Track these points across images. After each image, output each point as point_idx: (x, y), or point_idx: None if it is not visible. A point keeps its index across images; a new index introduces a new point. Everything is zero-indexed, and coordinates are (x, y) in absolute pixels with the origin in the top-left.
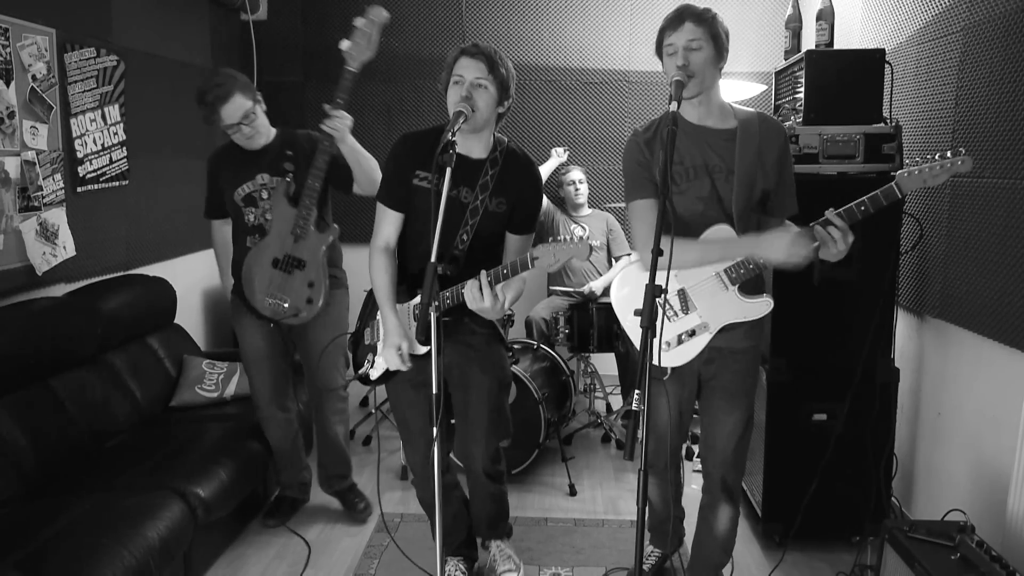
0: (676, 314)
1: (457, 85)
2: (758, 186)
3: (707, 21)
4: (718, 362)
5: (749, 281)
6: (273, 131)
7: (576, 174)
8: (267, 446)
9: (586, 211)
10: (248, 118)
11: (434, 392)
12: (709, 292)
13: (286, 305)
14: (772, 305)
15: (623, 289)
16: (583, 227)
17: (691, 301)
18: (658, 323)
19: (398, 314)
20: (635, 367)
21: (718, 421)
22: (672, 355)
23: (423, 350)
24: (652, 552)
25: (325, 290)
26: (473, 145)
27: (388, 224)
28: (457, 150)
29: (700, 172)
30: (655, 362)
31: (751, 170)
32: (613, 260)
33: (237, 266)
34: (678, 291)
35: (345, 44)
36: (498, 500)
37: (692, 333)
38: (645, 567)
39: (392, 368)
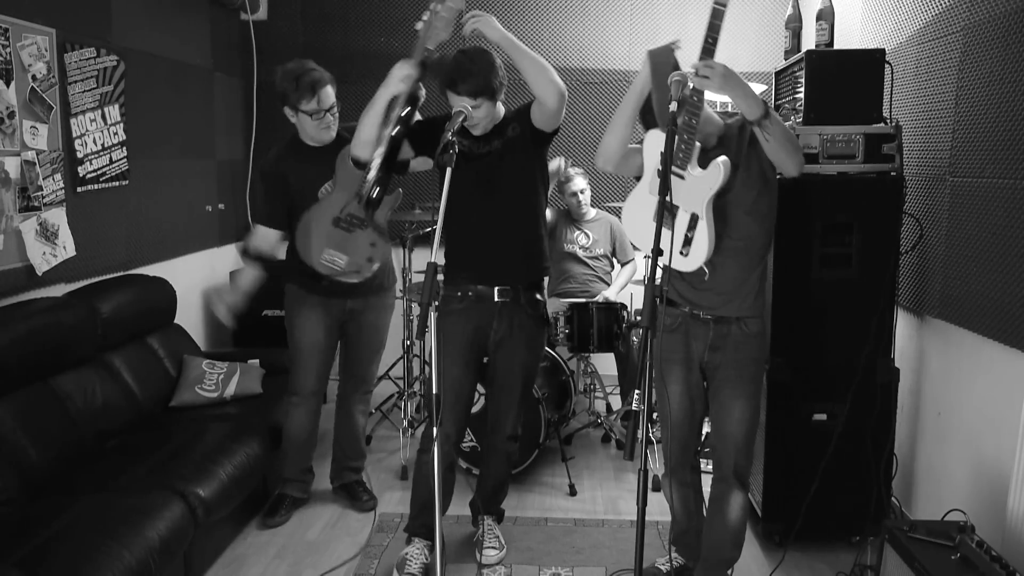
0: (672, 222)
1: (459, 114)
2: (758, 183)
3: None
4: (723, 350)
5: (701, 155)
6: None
7: (578, 183)
8: (269, 444)
9: (591, 216)
10: (335, 107)
11: (434, 392)
12: (676, 187)
13: (343, 263)
14: (728, 163)
15: (631, 206)
16: (587, 234)
17: (672, 205)
18: (666, 239)
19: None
20: (635, 368)
21: (726, 408)
22: (692, 257)
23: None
24: (676, 557)
25: (387, 253)
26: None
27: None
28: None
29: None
30: (684, 268)
31: (741, 173)
32: (618, 265)
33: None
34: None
35: (419, 25)
36: (507, 471)
37: (692, 226)
38: (665, 568)
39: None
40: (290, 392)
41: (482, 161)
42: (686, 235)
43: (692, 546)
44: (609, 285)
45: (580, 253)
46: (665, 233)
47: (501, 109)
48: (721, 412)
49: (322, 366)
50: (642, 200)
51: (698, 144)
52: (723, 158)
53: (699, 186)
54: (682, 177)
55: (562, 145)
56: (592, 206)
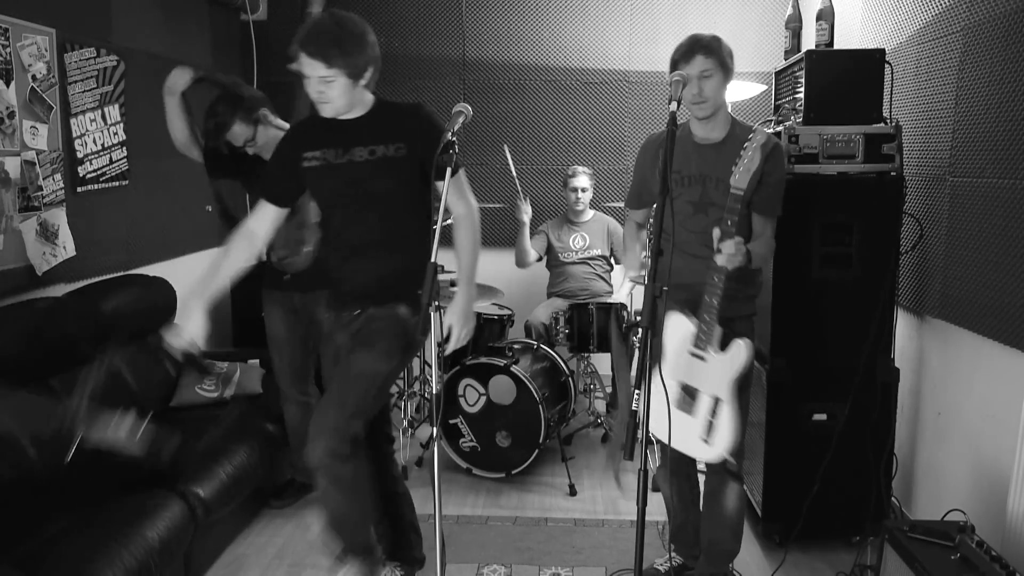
0: (693, 406)
1: (306, 83)
2: (745, 192)
3: (715, 52)
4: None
5: (722, 339)
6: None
7: (582, 180)
8: (269, 444)
9: (587, 216)
10: (249, 143)
11: (434, 391)
12: (697, 370)
13: (282, 252)
14: (750, 345)
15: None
16: (583, 236)
17: (693, 388)
18: (687, 424)
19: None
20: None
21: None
22: (715, 445)
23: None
24: (675, 556)
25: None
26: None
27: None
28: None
29: (694, 181)
30: (707, 457)
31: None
32: (617, 266)
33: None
34: (680, 387)
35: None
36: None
37: (715, 411)
38: (663, 568)
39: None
40: (281, 393)
41: (342, 172)
42: (708, 420)
43: (690, 543)
44: (609, 283)
45: (576, 257)
46: (666, 233)
47: (368, 98)
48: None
49: (292, 357)
50: (659, 393)
51: (719, 328)
52: (745, 340)
53: (721, 369)
54: (703, 359)
55: (562, 145)
56: (591, 208)
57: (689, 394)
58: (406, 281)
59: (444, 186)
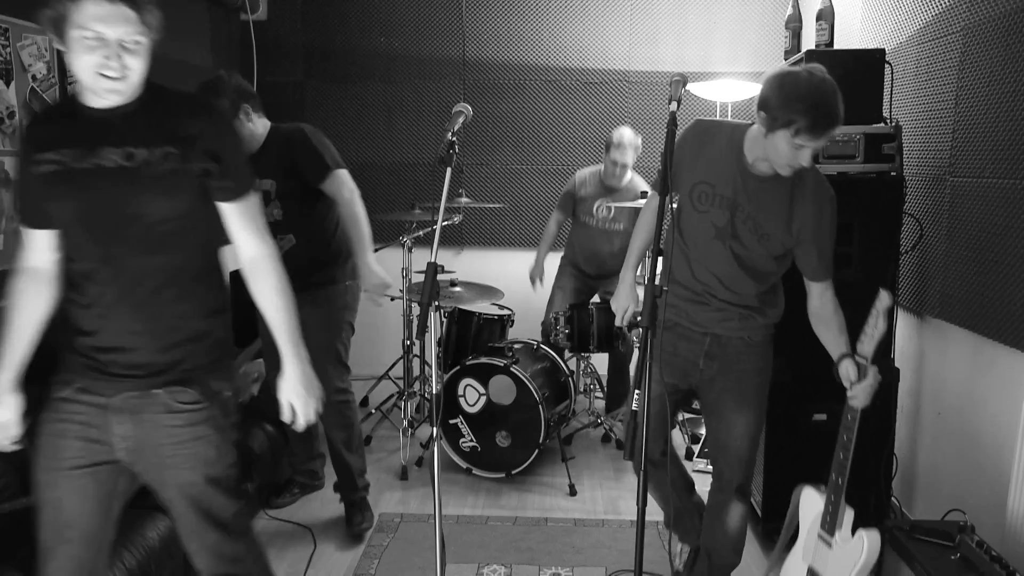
0: None
1: (92, 47)
2: (775, 240)
3: (842, 120)
4: (720, 360)
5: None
6: (264, 133)
7: (626, 154)
8: (270, 443)
9: (623, 182)
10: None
11: (434, 391)
12: (823, 555)
13: None
14: (876, 540)
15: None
16: (608, 207)
17: (816, 574)
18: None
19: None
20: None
21: (728, 421)
22: None
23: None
24: (683, 550)
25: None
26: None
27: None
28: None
29: (725, 204)
30: None
31: (772, 221)
32: None
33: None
34: (808, 571)
35: None
36: None
37: None
38: (677, 563)
39: None
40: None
41: (104, 181)
42: None
43: (690, 529)
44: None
45: (595, 224)
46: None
47: (139, 66)
48: (721, 425)
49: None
50: (795, 570)
51: (849, 510)
52: (871, 533)
53: (843, 560)
54: (828, 544)
55: (562, 146)
56: (632, 173)
57: (672, 211)
58: (206, 349)
59: (444, 186)
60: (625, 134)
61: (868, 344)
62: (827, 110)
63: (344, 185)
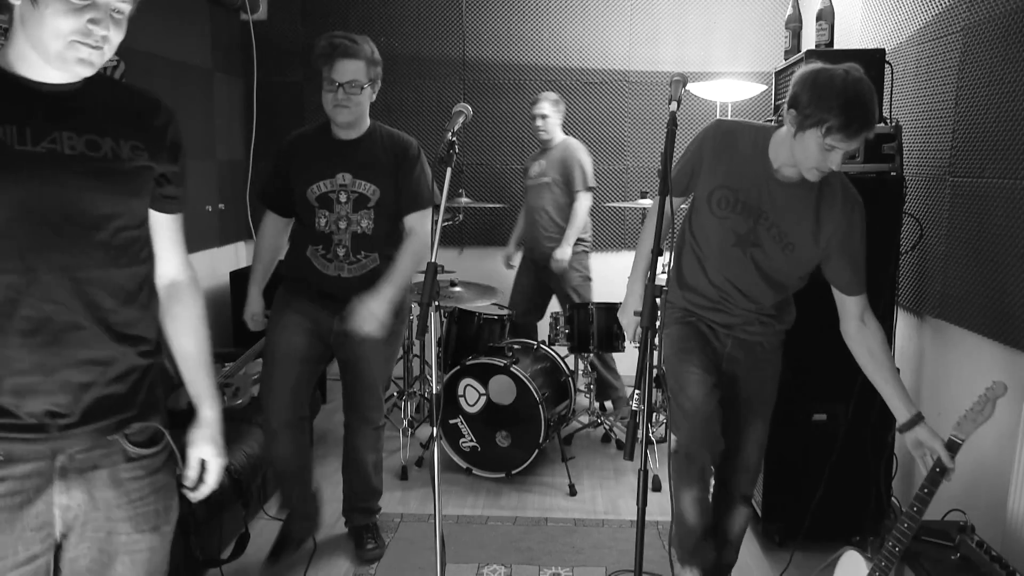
0: None
1: (78, 8)
2: (801, 251)
3: (876, 122)
4: (742, 364)
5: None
6: (367, 125)
7: (542, 107)
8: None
9: (553, 143)
10: (353, 86)
11: (434, 391)
12: None
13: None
14: None
15: None
16: (540, 163)
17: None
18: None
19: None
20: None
21: (742, 428)
22: None
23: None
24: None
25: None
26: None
27: None
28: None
29: (748, 210)
30: None
31: (798, 231)
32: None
33: (291, 268)
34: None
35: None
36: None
37: None
38: None
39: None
40: (263, 416)
41: (60, 172)
42: None
43: (708, 555)
44: (557, 220)
45: (531, 182)
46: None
47: (117, 40)
48: (733, 430)
49: (299, 378)
50: None
51: None
52: None
53: None
54: None
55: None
56: (563, 133)
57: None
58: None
59: (444, 184)
60: (542, 93)
61: (969, 427)
62: (862, 110)
63: (426, 222)
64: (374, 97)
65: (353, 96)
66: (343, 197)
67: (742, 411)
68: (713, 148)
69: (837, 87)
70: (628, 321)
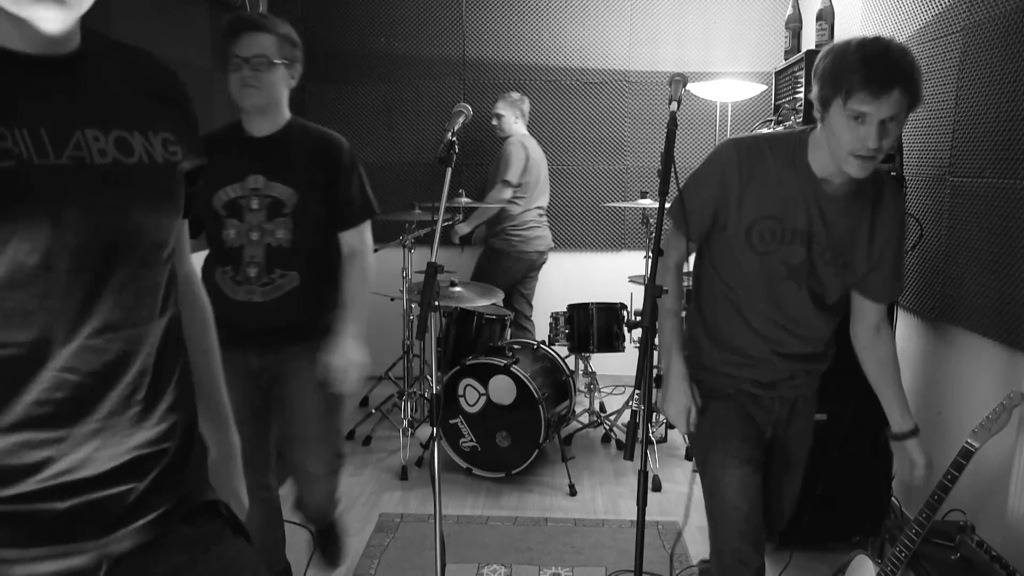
0: None
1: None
2: (854, 269)
3: (916, 84)
4: (791, 423)
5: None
6: (285, 118)
7: (497, 106)
8: None
9: (504, 134)
10: (259, 62)
11: (434, 391)
12: None
13: None
14: None
15: None
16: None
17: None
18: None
19: None
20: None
21: (780, 489)
22: None
23: None
24: None
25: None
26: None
27: None
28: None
29: (798, 238)
30: None
31: (852, 249)
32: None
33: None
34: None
35: None
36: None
37: None
38: None
39: None
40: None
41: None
42: None
43: None
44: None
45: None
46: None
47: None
48: (771, 489)
49: (253, 438)
50: None
51: None
52: None
53: None
54: None
55: (561, 146)
56: (515, 133)
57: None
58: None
59: (444, 184)
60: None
61: (984, 435)
62: (886, 61)
63: (367, 237)
64: (293, 83)
65: (262, 75)
66: (255, 203)
67: (783, 468)
68: (739, 175)
69: (854, 45)
70: (675, 410)
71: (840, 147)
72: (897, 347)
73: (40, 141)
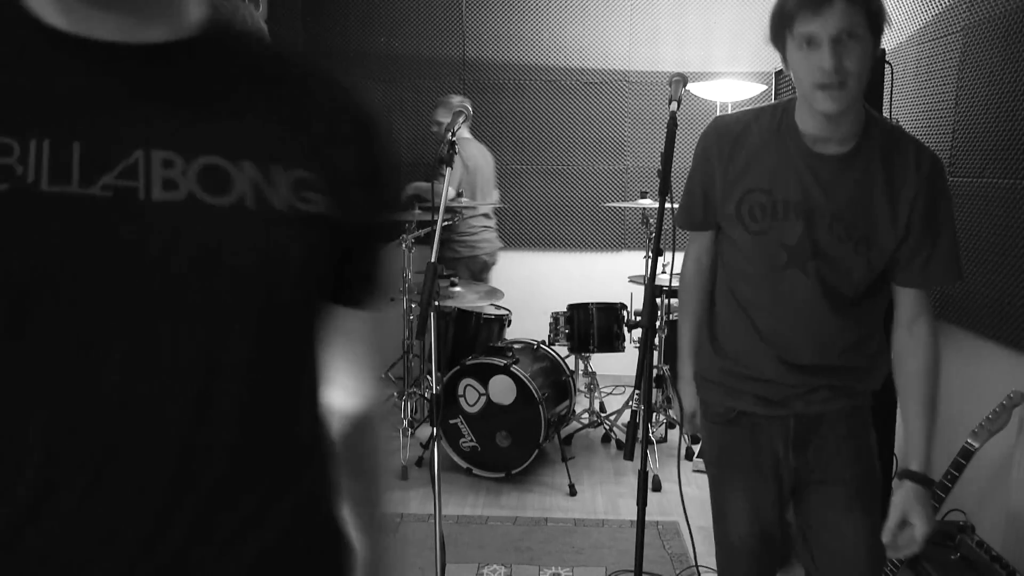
0: None
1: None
2: (881, 243)
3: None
4: (816, 445)
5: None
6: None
7: (438, 113)
8: None
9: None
10: None
11: (434, 392)
12: None
13: None
14: None
15: None
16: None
17: None
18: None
19: None
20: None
21: (835, 527)
22: None
23: None
24: None
25: None
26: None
27: None
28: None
29: (795, 212)
30: None
31: (870, 217)
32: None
33: None
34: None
35: None
36: None
37: None
38: None
39: None
40: None
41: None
42: None
43: None
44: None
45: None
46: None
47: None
48: (826, 533)
49: None
50: None
51: None
52: None
53: None
54: None
55: (561, 146)
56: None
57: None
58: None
59: (444, 184)
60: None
61: (984, 435)
62: None
63: None
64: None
65: None
66: None
67: (832, 499)
68: (720, 149)
69: None
70: (685, 417)
71: (804, 85)
72: None
73: (63, 164)
